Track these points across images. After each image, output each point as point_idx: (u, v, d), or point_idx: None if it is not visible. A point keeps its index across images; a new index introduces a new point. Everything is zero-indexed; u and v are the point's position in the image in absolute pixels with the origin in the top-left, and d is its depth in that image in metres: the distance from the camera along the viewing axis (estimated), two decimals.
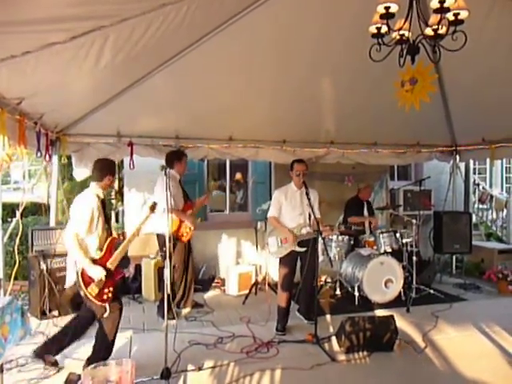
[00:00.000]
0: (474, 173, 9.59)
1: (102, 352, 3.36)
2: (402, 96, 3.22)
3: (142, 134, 5.38)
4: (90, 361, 3.32)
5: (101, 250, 3.31)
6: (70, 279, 3.34)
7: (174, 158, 4.90)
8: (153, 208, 3.67)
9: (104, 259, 3.29)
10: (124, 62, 3.41)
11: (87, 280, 3.19)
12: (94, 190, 3.39)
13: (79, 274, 3.19)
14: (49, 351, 3.47)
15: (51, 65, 3.05)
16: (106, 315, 3.25)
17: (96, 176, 3.43)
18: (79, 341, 3.55)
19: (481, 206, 9.15)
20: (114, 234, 3.50)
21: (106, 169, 3.45)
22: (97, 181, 3.41)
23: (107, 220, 3.47)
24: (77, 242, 3.18)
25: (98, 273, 3.18)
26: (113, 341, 3.41)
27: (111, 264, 3.30)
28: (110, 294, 3.26)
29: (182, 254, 4.85)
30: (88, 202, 3.28)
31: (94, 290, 3.18)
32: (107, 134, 5.28)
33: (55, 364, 3.49)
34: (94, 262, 3.23)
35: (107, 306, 3.24)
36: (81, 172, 5.28)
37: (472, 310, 5.20)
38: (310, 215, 4.34)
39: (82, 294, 3.22)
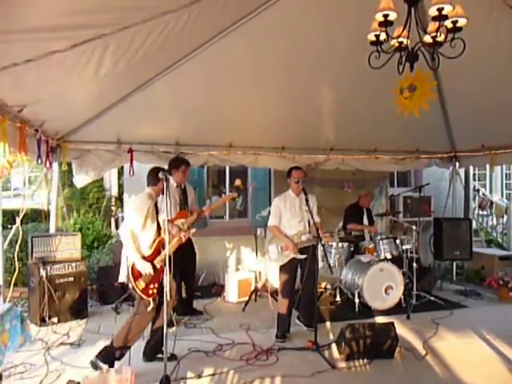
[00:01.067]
0: (474, 179, 9.60)
1: (116, 346, 3.49)
2: (401, 103, 3.24)
3: (142, 140, 5.40)
4: (100, 352, 3.51)
5: (150, 248, 3.57)
6: (122, 275, 3.65)
7: (172, 165, 4.88)
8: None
9: (152, 257, 3.56)
10: (124, 70, 3.44)
11: (136, 274, 3.48)
12: (149, 193, 3.66)
13: (129, 268, 3.48)
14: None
15: (52, 73, 3.07)
16: (149, 309, 3.50)
17: (151, 181, 3.71)
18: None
19: (481, 213, 9.15)
20: (162, 235, 3.66)
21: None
22: (152, 185, 3.69)
23: (157, 222, 3.69)
24: (131, 237, 3.46)
25: (146, 268, 3.47)
26: (129, 341, 3.53)
27: (158, 262, 3.55)
28: (155, 290, 3.52)
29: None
30: (144, 201, 3.57)
31: (141, 284, 3.47)
32: (107, 140, 5.30)
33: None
34: (144, 258, 3.51)
35: (151, 300, 3.50)
36: (81, 179, 5.29)
37: (473, 316, 5.18)
38: (309, 222, 4.35)
39: (130, 286, 3.50)
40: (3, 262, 4.38)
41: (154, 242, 3.59)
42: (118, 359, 3.51)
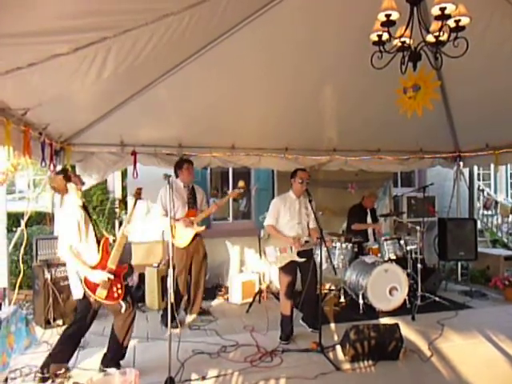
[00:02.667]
0: (479, 179, 9.55)
1: (114, 351, 3.49)
2: (404, 103, 3.23)
3: (145, 143, 5.42)
4: (103, 360, 3.52)
5: (98, 253, 3.37)
6: (77, 292, 3.37)
7: (176, 167, 5.04)
8: (138, 194, 3.77)
9: (103, 261, 3.36)
10: (127, 73, 3.45)
11: (92, 286, 3.26)
12: (75, 201, 3.37)
13: (83, 284, 3.25)
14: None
15: (55, 76, 3.09)
16: (123, 311, 3.37)
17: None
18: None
19: (486, 212, 9.10)
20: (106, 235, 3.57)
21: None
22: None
23: (93, 224, 3.50)
24: (72, 253, 3.23)
25: (99, 276, 3.26)
26: (123, 343, 3.50)
27: (112, 263, 3.36)
28: (119, 291, 3.36)
29: (183, 261, 4.86)
30: (73, 212, 3.30)
31: (102, 293, 3.27)
32: (111, 143, 5.33)
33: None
34: (94, 267, 3.29)
35: (122, 302, 3.36)
36: (84, 181, 5.30)
37: (478, 317, 5.15)
38: (308, 225, 4.34)
39: (91, 300, 3.30)
40: (8, 265, 4.41)
41: (98, 245, 3.40)
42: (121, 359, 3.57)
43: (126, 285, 3.42)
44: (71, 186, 3.35)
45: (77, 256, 3.25)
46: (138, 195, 3.76)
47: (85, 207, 3.45)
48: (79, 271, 3.27)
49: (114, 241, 3.53)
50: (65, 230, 3.28)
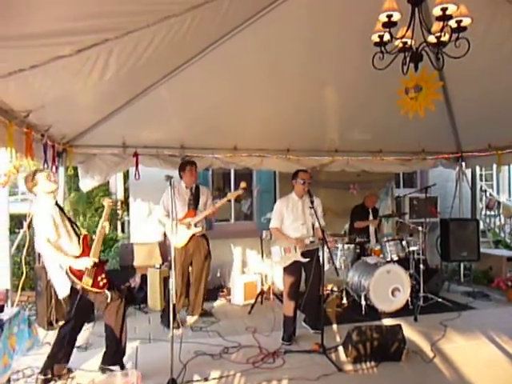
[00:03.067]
0: (481, 179, 9.52)
1: (114, 348, 3.49)
2: (405, 103, 3.23)
3: (147, 144, 5.43)
4: (103, 359, 3.52)
5: (79, 247, 3.41)
6: (62, 289, 3.40)
7: (180, 168, 5.09)
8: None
9: (85, 254, 3.38)
10: (129, 74, 3.45)
11: (78, 274, 3.31)
12: (45, 199, 3.40)
13: (69, 273, 3.29)
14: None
15: (58, 78, 3.10)
16: (109, 300, 3.41)
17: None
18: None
19: (488, 213, 9.07)
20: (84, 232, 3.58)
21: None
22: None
23: (70, 222, 3.54)
24: (51, 245, 3.24)
25: (84, 262, 3.30)
26: (120, 338, 3.50)
27: (93, 256, 3.39)
28: (104, 281, 3.41)
29: (180, 261, 4.84)
30: (47, 210, 3.33)
31: (88, 280, 3.32)
32: (113, 144, 5.34)
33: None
34: (77, 257, 3.34)
35: (107, 292, 3.41)
36: (87, 183, 5.32)
37: (481, 318, 5.13)
38: (313, 225, 4.34)
39: (78, 287, 3.32)
40: (11, 267, 4.42)
41: (78, 240, 3.44)
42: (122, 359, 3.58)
43: (109, 278, 3.47)
44: (39, 188, 3.38)
45: (58, 249, 3.27)
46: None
47: (58, 205, 3.51)
48: (62, 263, 3.30)
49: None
50: (40, 225, 3.29)
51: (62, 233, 3.36)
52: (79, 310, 3.43)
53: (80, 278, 3.31)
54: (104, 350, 3.59)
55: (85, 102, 3.96)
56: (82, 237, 3.49)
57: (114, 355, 3.54)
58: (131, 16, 2.67)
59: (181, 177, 5.04)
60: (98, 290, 3.38)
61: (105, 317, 3.54)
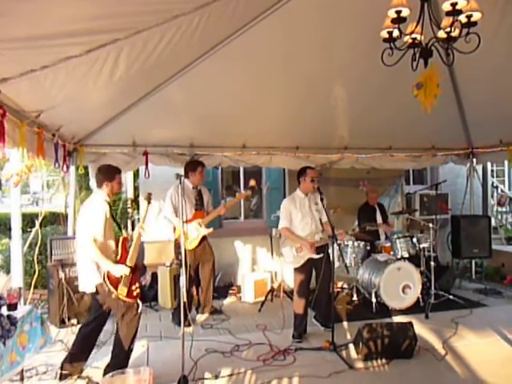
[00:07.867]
0: (492, 175, 9.40)
1: (121, 358, 3.41)
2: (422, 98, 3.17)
3: (157, 143, 5.45)
4: (108, 367, 3.41)
5: (116, 252, 3.40)
6: (88, 285, 3.37)
7: (189, 168, 5.07)
8: (149, 199, 3.79)
9: (122, 259, 3.39)
10: (138, 74, 3.47)
11: (115, 282, 3.28)
12: (101, 196, 3.46)
13: (106, 280, 3.25)
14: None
15: (68, 78, 3.12)
16: (139, 310, 3.37)
17: (105, 180, 3.51)
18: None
19: (500, 209, 8.97)
20: (125, 234, 3.60)
21: (102, 176, 3.52)
22: (104, 186, 3.49)
23: (116, 223, 3.58)
24: (96, 247, 3.23)
25: (122, 270, 3.28)
26: (129, 347, 3.44)
27: (130, 262, 3.39)
28: (138, 290, 3.38)
29: (189, 262, 4.84)
30: (101, 205, 3.37)
31: (123, 290, 3.28)
32: (123, 143, 5.38)
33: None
34: (115, 262, 3.33)
35: (139, 302, 3.38)
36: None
37: (493, 315, 5.08)
38: (320, 220, 4.32)
39: (113, 296, 3.26)
40: (23, 265, 4.47)
41: (118, 243, 3.44)
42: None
43: (140, 284, 3.46)
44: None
45: (101, 250, 3.26)
46: (149, 200, 3.78)
47: (110, 205, 3.50)
48: (102, 265, 3.26)
49: (126, 239, 3.55)
50: (90, 222, 3.28)
51: (107, 233, 3.35)
52: (102, 312, 3.44)
53: (116, 287, 3.26)
54: (110, 357, 3.47)
55: (95, 101, 3.99)
56: (121, 239, 3.44)
57: (117, 365, 3.34)
58: (140, 16, 2.68)
59: (187, 176, 4.98)
60: (131, 301, 3.32)
61: (119, 325, 3.40)
